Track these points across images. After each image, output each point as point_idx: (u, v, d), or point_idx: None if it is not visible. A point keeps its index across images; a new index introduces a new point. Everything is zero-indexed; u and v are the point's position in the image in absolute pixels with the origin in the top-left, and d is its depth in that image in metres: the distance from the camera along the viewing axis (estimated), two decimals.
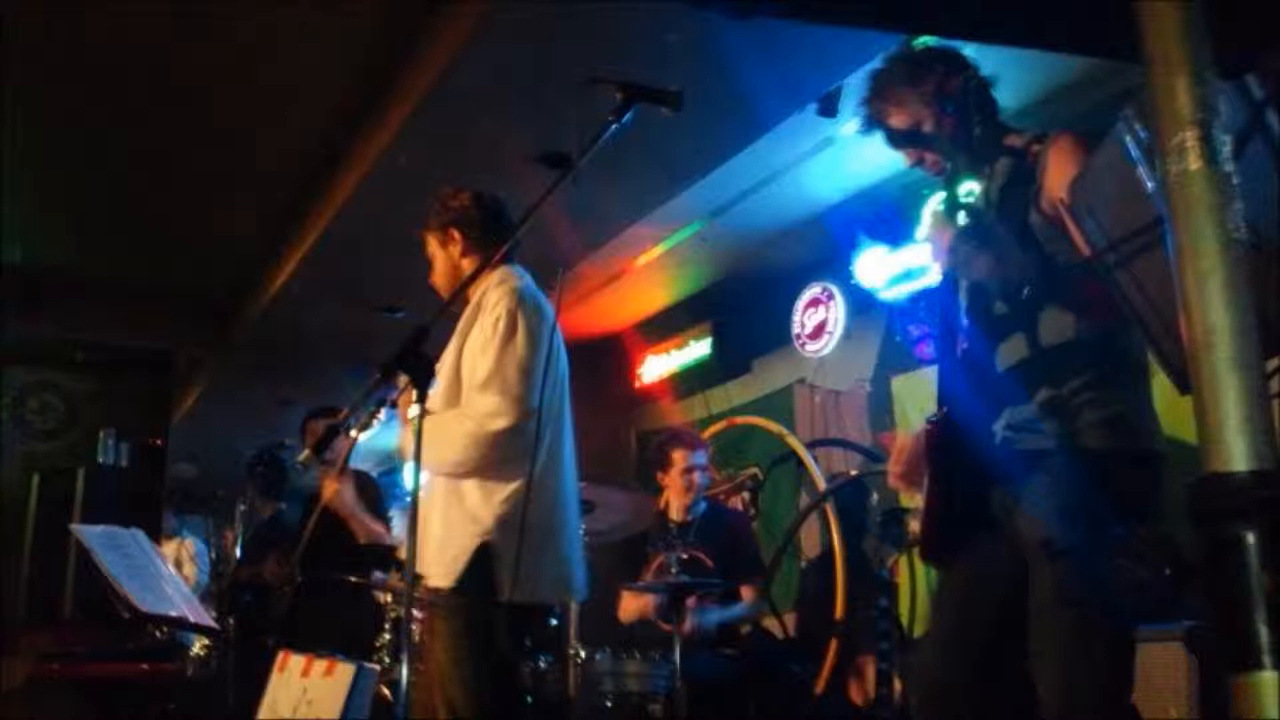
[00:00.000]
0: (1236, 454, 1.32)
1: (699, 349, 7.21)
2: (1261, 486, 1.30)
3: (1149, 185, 1.61)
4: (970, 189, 2.43)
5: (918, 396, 5.44)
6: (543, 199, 2.43)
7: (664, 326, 7.59)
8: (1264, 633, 1.26)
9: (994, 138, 2.47)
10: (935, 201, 2.64)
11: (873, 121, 2.56)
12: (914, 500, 2.76)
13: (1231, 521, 1.30)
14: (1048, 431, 2.31)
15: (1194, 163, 1.40)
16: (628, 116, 2.33)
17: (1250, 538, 1.29)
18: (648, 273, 6.80)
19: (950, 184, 2.39)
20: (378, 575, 4.17)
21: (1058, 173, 2.25)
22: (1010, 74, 2.75)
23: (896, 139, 2.54)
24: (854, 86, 4.16)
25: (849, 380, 6.09)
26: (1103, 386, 2.29)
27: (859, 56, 4.00)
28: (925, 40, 2.65)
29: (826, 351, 6.24)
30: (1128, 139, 1.67)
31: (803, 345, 6.38)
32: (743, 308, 6.89)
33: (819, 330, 6.29)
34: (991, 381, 2.39)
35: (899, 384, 5.73)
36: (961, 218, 2.33)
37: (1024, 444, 2.34)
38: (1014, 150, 2.43)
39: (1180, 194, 1.42)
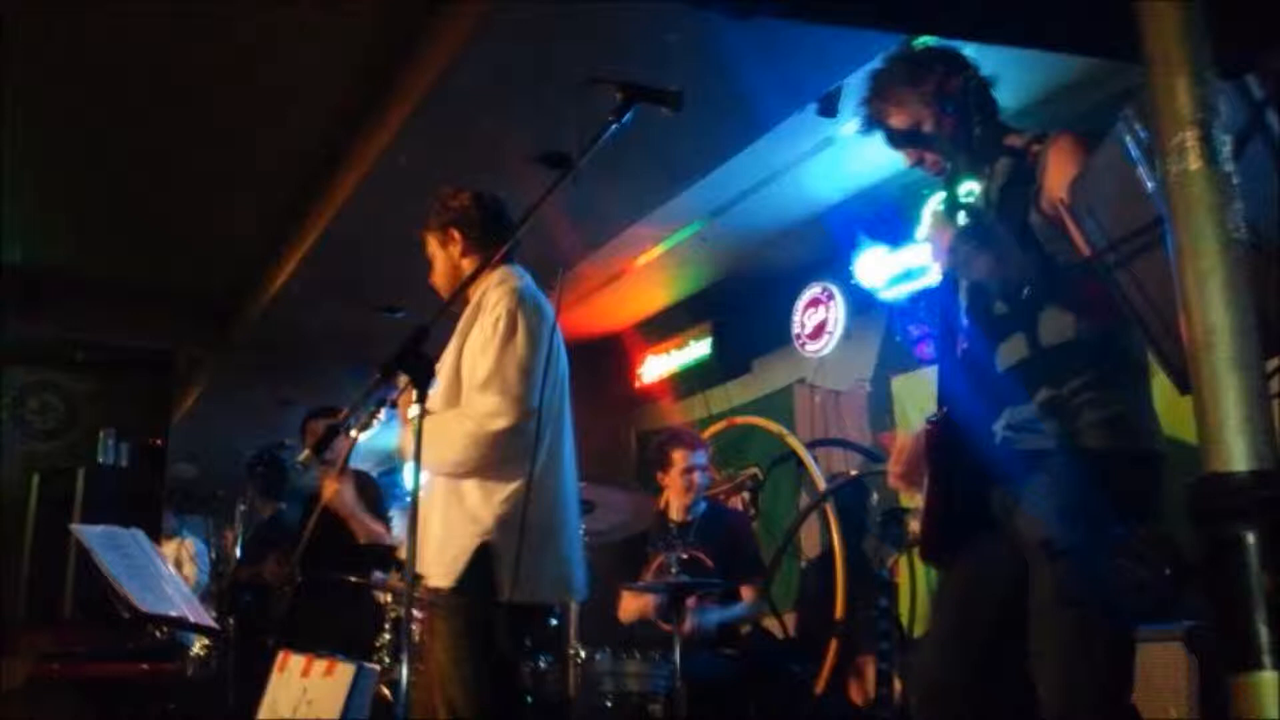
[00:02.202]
0: (1236, 454, 1.32)
1: (699, 349, 7.21)
2: (1261, 486, 1.30)
3: (1149, 185, 1.61)
4: (970, 189, 2.43)
5: (918, 396, 5.44)
6: (543, 199, 2.43)
7: (664, 326, 7.58)
8: (1264, 633, 1.26)
9: (994, 138, 2.47)
10: (935, 201, 2.64)
11: (873, 121, 2.56)
12: (914, 500, 2.76)
13: (1231, 521, 1.30)
14: (1048, 431, 2.31)
15: (1194, 163, 1.40)
16: (628, 116, 2.33)
17: (1250, 538, 1.29)
18: (648, 273, 6.80)
19: (950, 184, 2.39)
20: (378, 575, 4.17)
21: (1058, 173, 2.26)
22: (1010, 74, 2.75)
23: (896, 139, 2.54)
24: (854, 86, 4.15)
25: (849, 380, 6.09)
26: (1103, 386, 2.29)
27: (859, 56, 4.00)
28: (925, 40, 2.65)
29: (826, 351, 6.24)
30: (1128, 139, 1.67)
31: (803, 345, 6.38)
32: (743, 308, 6.89)
33: (819, 330, 6.29)
34: (991, 381, 2.39)
35: (899, 384, 5.73)
36: (961, 218, 2.33)
37: (1024, 444, 2.34)
38: (1014, 150, 2.43)
39: (1180, 194, 1.42)
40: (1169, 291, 1.44)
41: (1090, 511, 2.23)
